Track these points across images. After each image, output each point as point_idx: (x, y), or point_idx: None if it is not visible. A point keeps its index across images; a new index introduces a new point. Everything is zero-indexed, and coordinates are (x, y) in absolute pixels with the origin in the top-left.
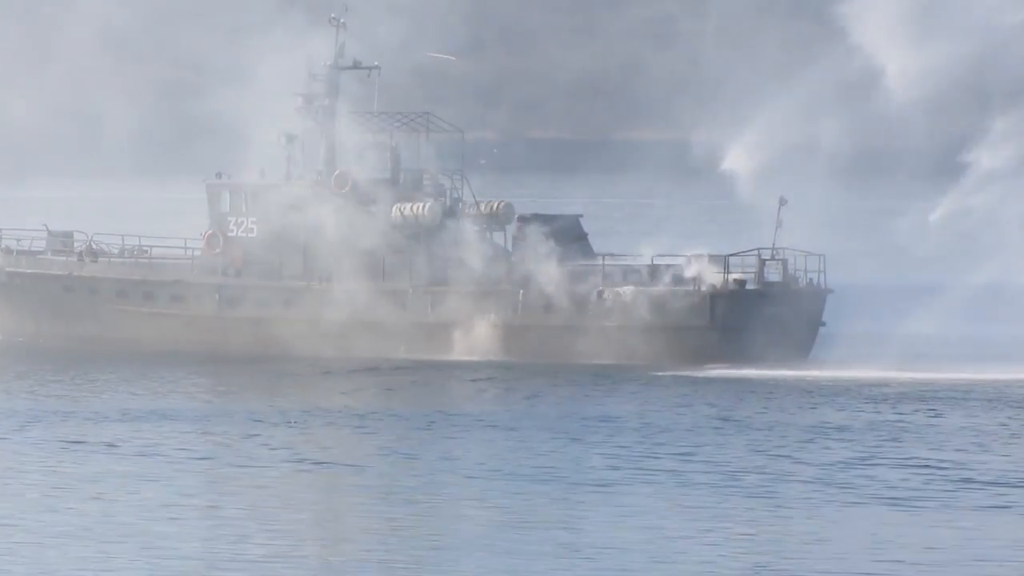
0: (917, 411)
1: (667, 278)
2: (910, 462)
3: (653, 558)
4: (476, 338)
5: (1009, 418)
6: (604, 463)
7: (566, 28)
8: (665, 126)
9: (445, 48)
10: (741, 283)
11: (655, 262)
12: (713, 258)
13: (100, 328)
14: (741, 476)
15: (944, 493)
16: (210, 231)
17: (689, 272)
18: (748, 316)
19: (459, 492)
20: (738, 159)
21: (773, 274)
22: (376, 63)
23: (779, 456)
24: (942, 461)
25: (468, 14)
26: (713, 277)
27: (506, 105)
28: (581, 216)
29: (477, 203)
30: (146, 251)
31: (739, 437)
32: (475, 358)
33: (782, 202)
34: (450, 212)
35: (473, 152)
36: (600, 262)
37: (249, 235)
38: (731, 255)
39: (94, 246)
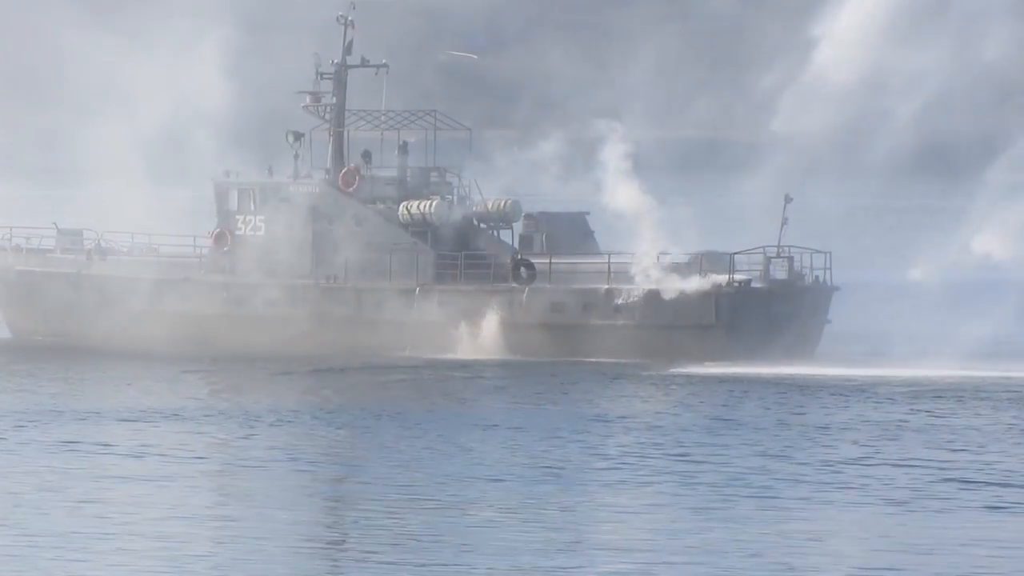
0: (921, 410)
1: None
2: (913, 462)
3: (653, 557)
4: (481, 337)
5: (1014, 417)
6: (606, 462)
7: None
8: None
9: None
10: (746, 281)
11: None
12: (712, 256)
13: (109, 326)
14: (744, 475)
15: (947, 493)
16: (218, 230)
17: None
18: (753, 314)
19: (461, 491)
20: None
21: (779, 271)
22: (384, 61)
23: (782, 455)
24: (945, 461)
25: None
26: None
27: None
28: (588, 214)
29: (484, 201)
30: (155, 249)
31: (742, 435)
32: (480, 357)
33: (788, 199)
34: (457, 210)
35: (494, 150)
36: (606, 260)
37: (257, 233)
38: (736, 253)
39: (103, 244)
